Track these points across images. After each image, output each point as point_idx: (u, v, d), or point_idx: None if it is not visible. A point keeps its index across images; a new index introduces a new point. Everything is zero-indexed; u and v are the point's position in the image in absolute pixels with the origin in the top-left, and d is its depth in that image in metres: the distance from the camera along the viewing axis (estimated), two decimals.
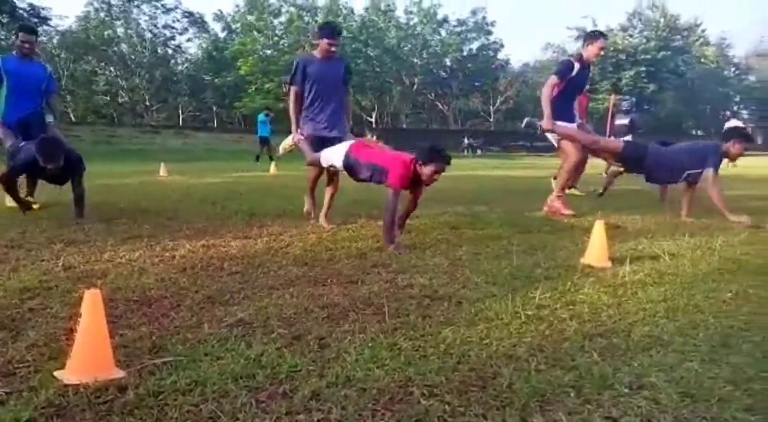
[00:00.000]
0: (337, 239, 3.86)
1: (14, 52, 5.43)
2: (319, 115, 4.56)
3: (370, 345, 1.87)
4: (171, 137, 32.71)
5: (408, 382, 1.59)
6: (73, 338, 1.76)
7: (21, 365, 1.70)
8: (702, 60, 51.29)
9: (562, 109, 5.37)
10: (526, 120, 5.98)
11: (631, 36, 49.38)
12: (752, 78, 55.52)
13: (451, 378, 1.62)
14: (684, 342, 1.93)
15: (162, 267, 2.98)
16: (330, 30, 4.63)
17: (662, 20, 48.47)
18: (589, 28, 52.10)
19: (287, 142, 4.68)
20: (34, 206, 5.15)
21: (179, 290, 2.54)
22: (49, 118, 5.57)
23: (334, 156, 4.09)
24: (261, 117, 18.30)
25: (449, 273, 2.90)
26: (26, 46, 5.29)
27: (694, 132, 56.09)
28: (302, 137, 4.47)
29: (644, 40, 48.89)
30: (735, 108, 56.67)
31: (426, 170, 3.50)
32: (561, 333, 2.02)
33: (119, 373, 1.61)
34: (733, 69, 56.63)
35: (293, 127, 4.55)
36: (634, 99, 13.82)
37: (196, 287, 2.59)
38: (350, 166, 3.95)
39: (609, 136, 12.44)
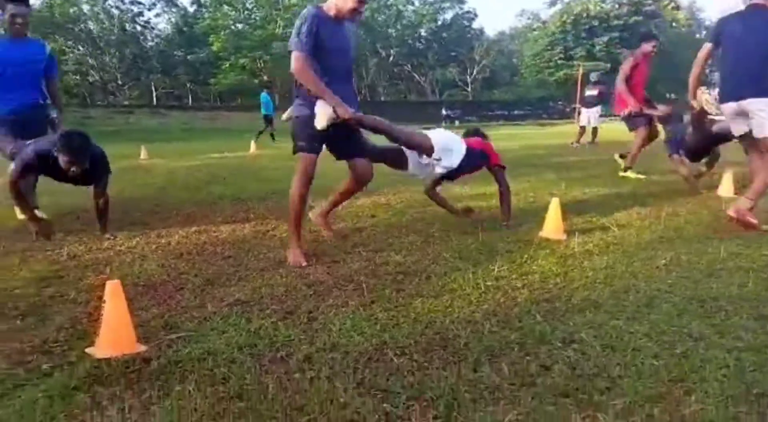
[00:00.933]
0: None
1: (1, 31, 4.36)
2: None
3: (351, 316, 2.20)
4: (146, 116, 32.33)
5: (383, 346, 1.93)
6: (96, 320, 2.08)
7: (55, 344, 2.00)
8: (673, 24, 51.82)
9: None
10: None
11: (603, 2, 49.54)
12: None
13: (419, 340, 1.97)
14: (615, 304, 2.30)
15: (160, 254, 3.27)
16: None
17: None
18: None
19: (328, 115, 3.01)
20: (43, 217, 3.98)
21: (180, 275, 2.84)
22: (53, 113, 4.53)
23: (455, 150, 3.62)
24: (263, 96, 18.32)
25: (422, 250, 3.24)
26: (18, 21, 4.18)
27: (667, 96, 56.99)
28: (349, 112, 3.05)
29: (616, 6, 49.11)
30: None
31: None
32: (513, 299, 2.38)
33: (142, 348, 1.92)
34: (704, 32, 57.28)
35: (328, 99, 2.98)
36: (599, 69, 14.15)
37: (195, 271, 2.89)
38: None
39: (579, 106, 12.81)
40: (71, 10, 40.48)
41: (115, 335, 1.91)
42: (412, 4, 49.63)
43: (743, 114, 3.71)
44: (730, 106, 3.79)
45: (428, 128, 3.95)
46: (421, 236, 3.60)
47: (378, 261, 3.04)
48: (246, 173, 7.93)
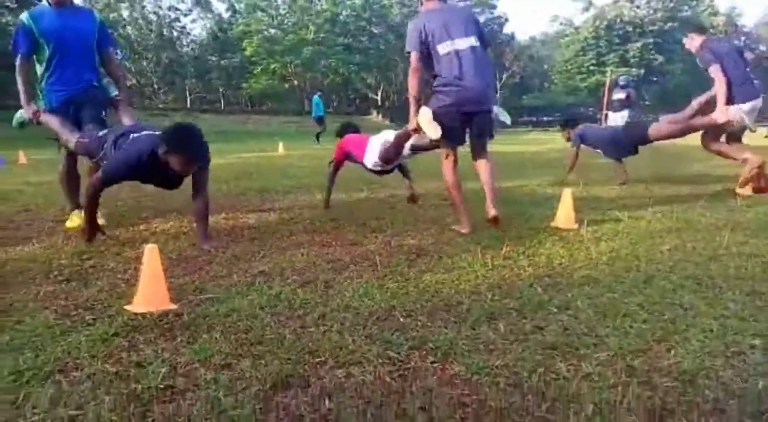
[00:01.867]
0: (341, 210, 4.36)
1: (44, 1, 3.65)
2: (458, 84, 3.48)
3: (364, 286, 2.38)
4: (180, 119, 33.16)
5: (392, 309, 2.10)
6: (133, 285, 2.30)
7: (96, 302, 2.23)
8: (711, 30, 50.67)
9: None
10: None
11: (638, 7, 48.91)
12: (762, 47, 54.81)
13: (425, 305, 2.14)
14: (614, 280, 2.42)
15: (192, 235, 3.50)
16: None
17: None
18: None
19: (423, 118, 3.46)
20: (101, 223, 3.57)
21: (209, 251, 3.07)
22: (113, 91, 4.06)
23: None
24: (316, 99, 19.11)
25: (435, 236, 3.40)
26: None
27: None
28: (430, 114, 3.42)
29: (651, 11, 48.43)
30: None
31: None
32: (518, 276, 2.52)
33: (173, 306, 2.13)
34: (743, 38, 55.94)
35: (412, 109, 3.64)
36: (630, 75, 14.17)
37: (223, 249, 3.11)
38: None
39: (606, 111, 12.79)
40: (111, 16, 41.90)
41: (150, 293, 2.12)
42: None
43: None
44: None
45: None
46: (438, 224, 3.76)
47: (394, 243, 3.21)
48: (273, 170, 8.20)
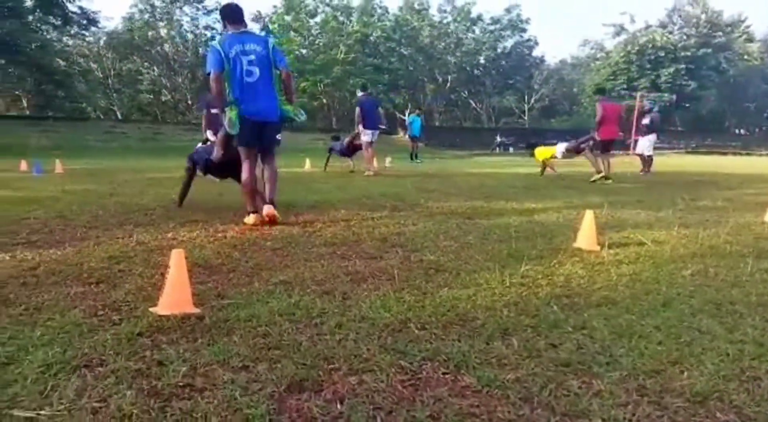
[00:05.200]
0: (363, 225, 4.42)
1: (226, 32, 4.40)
2: None
3: (381, 298, 2.42)
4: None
5: (407, 321, 2.14)
6: (159, 288, 2.38)
7: (123, 304, 2.32)
8: (746, 57, 49.92)
9: None
10: None
11: (670, 33, 48.51)
12: None
13: (440, 319, 2.16)
14: (632, 302, 2.41)
15: (217, 244, 3.60)
16: None
17: (703, 16, 47.42)
18: (627, 24, 51.44)
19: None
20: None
21: (233, 260, 3.15)
22: (301, 116, 4.68)
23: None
24: (412, 117, 19.11)
25: (455, 253, 3.43)
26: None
27: (737, 131, 54.66)
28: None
29: (684, 37, 47.99)
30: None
31: None
32: (535, 294, 2.53)
33: (196, 310, 2.20)
34: None
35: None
36: (662, 99, 14.17)
37: (246, 258, 3.19)
38: None
39: (635, 135, 12.69)
40: (150, 34, 43.40)
41: (175, 296, 2.20)
42: (473, 32, 50.15)
43: None
44: None
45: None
46: (458, 242, 3.78)
47: (413, 259, 3.24)
48: (299, 185, 8.33)
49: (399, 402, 1.50)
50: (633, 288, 2.63)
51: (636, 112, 12.68)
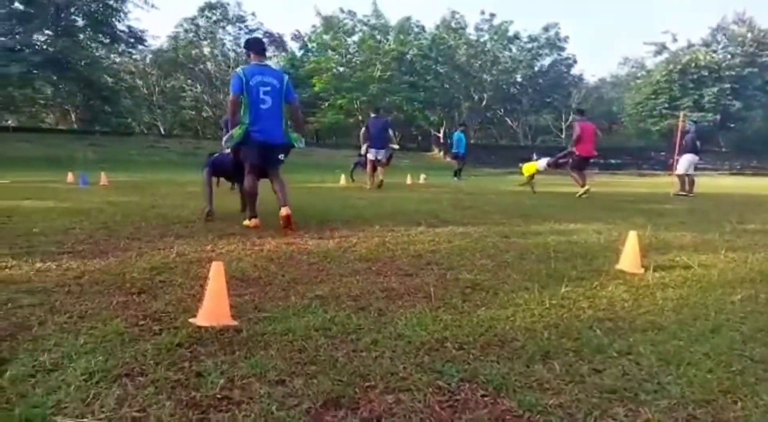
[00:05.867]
0: (398, 242, 4.40)
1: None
2: None
3: (417, 316, 2.39)
4: None
5: (444, 340, 2.10)
6: (198, 300, 2.41)
7: (163, 314, 2.36)
8: None
9: None
10: None
11: (714, 52, 47.28)
12: None
13: (478, 339, 2.12)
14: (680, 328, 2.31)
15: (254, 257, 3.64)
16: None
17: (749, 35, 46.11)
18: (669, 43, 50.47)
19: None
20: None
21: (269, 273, 3.17)
22: (300, 145, 5.38)
23: None
24: (457, 134, 18.30)
25: (492, 272, 3.37)
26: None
27: None
28: None
29: (729, 56, 46.70)
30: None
31: None
32: (576, 317, 2.45)
33: (234, 322, 2.22)
34: None
35: None
36: (694, 121, 13.92)
37: (283, 272, 3.21)
38: None
39: (678, 154, 12.35)
40: (193, 52, 44.86)
41: (214, 309, 2.22)
42: (510, 50, 50.02)
43: None
44: None
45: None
46: (495, 260, 3.72)
47: (449, 277, 3.20)
48: (334, 201, 8.39)
49: None
50: (680, 313, 2.53)
51: (679, 133, 12.31)
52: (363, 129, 12.04)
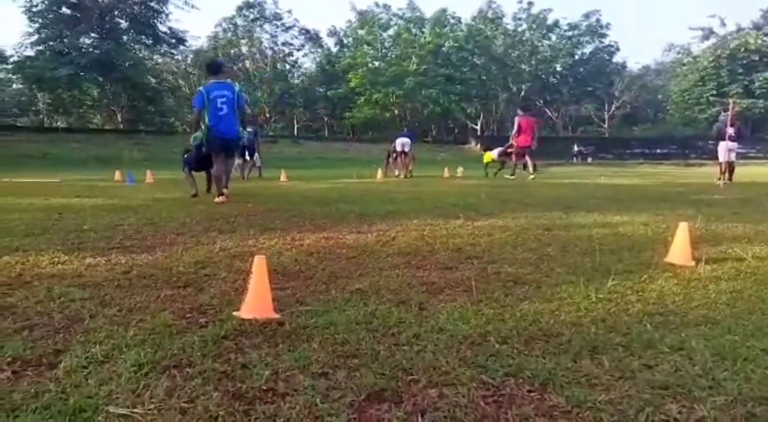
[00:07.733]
0: (437, 235, 4.37)
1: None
2: None
3: (459, 310, 2.36)
4: (287, 146, 35.12)
5: (487, 334, 2.07)
6: (242, 293, 2.44)
7: (208, 307, 2.40)
8: None
9: None
10: None
11: (766, 35, 45.04)
12: None
13: (522, 333, 2.08)
14: (735, 322, 2.21)
15: (294, 252, 3.68)
16: None
17: None
18: (716, 27, 48.39)
19: None
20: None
21: (310, 267, 3.20)
22: (243, 137, 8.35)
23: None
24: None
25: (535, 265, 3.31)
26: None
27: None
28: None
29: None
30: None
31: None
32: (625, 311, 2.38)
33: (277, 315, 2.24)
34: None
35: None
36: (757, 108, 13.53)
37: (323, 266, 3.23)
38: None
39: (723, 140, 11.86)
40: (232, 51, 45.66)
41: (257, 302, 2.26)
42: (549, 38, 48.97)
43: None
44: None
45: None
46: (536, 254, 3.65)
47: (490, 270, 3.16)
48: (372, 195, 8.41)
49: (482, 420, 1.44)
50: (734, 307, 2.42)
51: (729, 120, 11.79)
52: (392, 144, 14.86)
